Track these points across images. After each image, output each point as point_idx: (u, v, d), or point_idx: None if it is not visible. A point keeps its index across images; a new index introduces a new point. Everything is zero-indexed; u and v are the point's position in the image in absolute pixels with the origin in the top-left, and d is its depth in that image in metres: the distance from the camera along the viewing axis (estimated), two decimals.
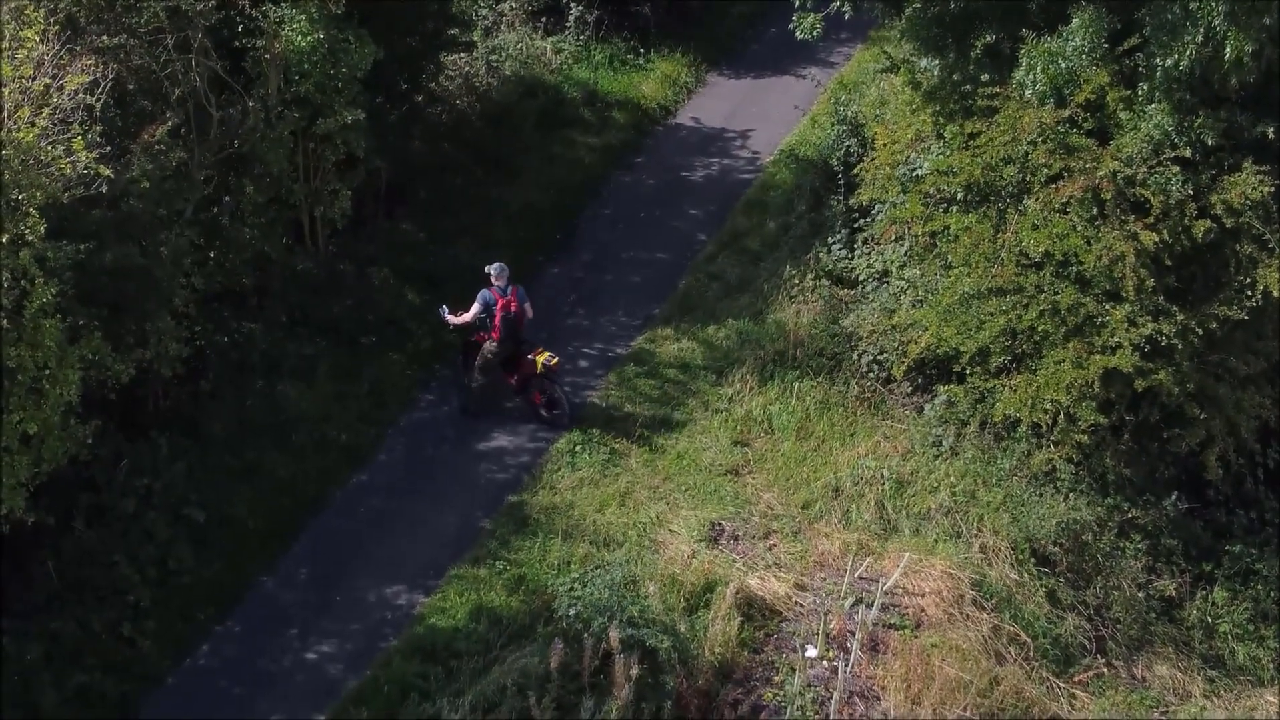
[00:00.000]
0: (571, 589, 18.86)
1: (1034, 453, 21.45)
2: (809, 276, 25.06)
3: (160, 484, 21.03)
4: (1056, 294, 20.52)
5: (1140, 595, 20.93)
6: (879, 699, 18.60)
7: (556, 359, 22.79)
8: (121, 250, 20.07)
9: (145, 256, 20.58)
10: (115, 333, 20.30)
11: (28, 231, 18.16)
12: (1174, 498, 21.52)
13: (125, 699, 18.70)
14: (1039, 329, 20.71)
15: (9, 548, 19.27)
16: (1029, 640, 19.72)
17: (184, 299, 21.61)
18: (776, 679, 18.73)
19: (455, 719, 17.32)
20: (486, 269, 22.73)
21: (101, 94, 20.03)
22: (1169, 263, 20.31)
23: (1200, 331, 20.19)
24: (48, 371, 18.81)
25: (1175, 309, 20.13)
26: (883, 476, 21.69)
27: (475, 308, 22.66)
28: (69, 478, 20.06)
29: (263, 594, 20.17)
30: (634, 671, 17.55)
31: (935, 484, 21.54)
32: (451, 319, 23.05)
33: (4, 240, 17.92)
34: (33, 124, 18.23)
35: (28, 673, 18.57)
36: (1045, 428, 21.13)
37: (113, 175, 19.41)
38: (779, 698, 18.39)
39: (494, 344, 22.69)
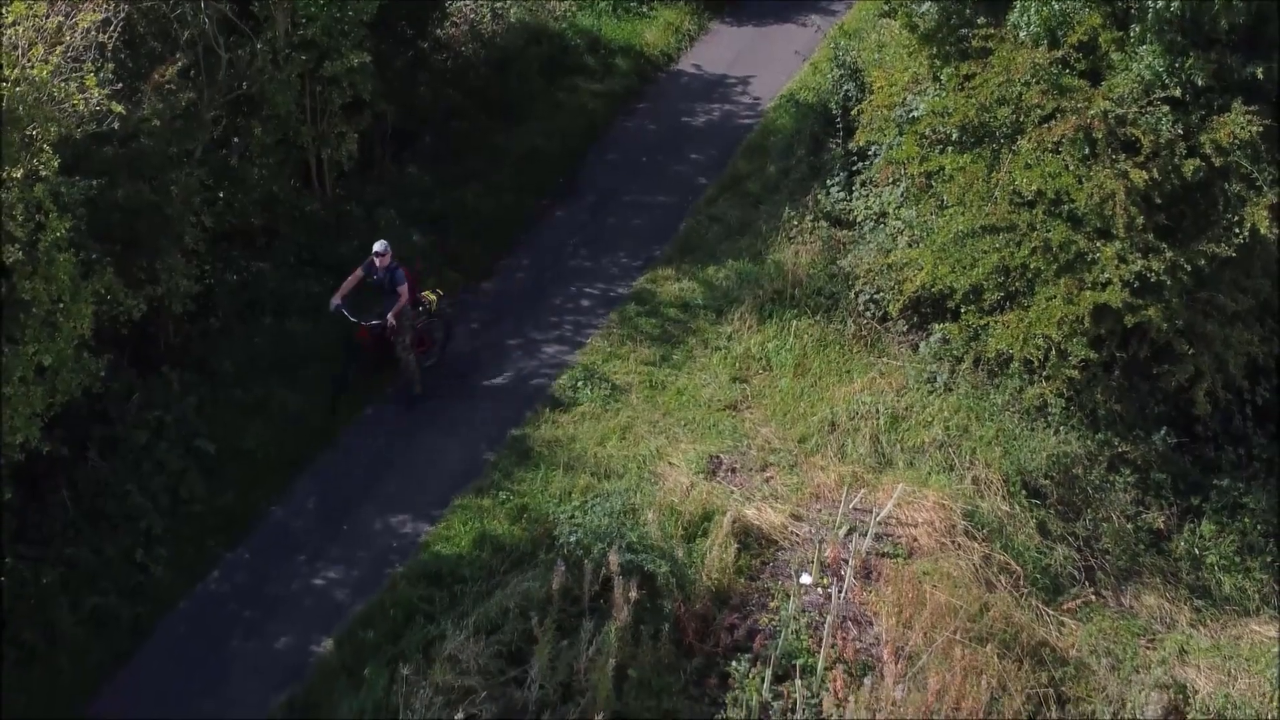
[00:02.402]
0: (572, 517, 19.36)
1: (1026, 388, 21.92)
2: (807, 218, 25.48)
3: (171, 417, 21.53)
4: (1049, 232, 20.94)
5: (1129, 527, 21.40)
6: (872, 624, 19.08)
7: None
8: (133, 187, 20.54)
9: (156, 194, 21.05)
10: (127, 269, 20.79)
11: (41, 167, 18.58)
12: (1163, 433, 21.95)
13: (138, 622, 19.23)
14: (1031, 266, 21.16)
15: (26, 477, 19.77)
16: (1019, 569, 20.19)
17: (194, 237, 22.09)
18: (772, 605, 19.20)
19: (459, 639, 17.79)
20: (377, 248, 22.10)
21: (113, 32, 20.42)
22: (1159, 201, 20.71)
23: (1189, 268, 20.60)
24: (61, 305, 19.28)
25: (1165, 246, 20.54)
26: (878, 411, 22.14)
27: (406, 287, 22.30)
28: (82, 410, 20.54)
29: (271, 523, 20.69)
30: (633, 595, 18.04)
31: (929, 419, 21.99)
32: (392, 318, 22.21)
33: (18, 175, 18.39)
34: (46, 61, 18.63)
35: (45, 596, 19.09)
36: (1037, 364, 21.60)
37: (125, 112, 19.82)
38: (775, 622, 18.86)
39: (409, 309, 22.49)
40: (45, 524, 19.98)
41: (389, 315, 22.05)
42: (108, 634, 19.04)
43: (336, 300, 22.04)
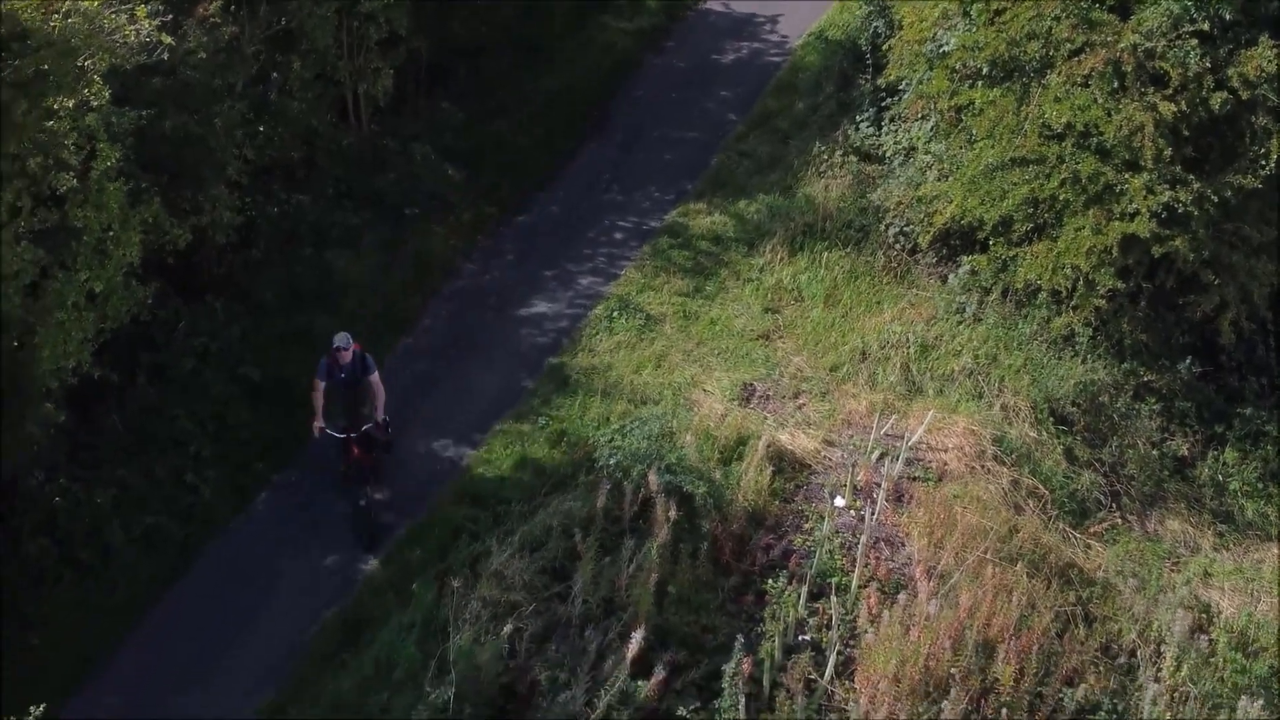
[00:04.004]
0: (612, 440, 19.82)
1: (1053, 318, 22.33)
2: (837, 153, 25.84)
3: (216, 345, 22.05)
4: (1077, 164, 21.31)
5: (1154, 454, 21.84)
6: (903, 545, 19.55)
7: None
8: (180, 119, 20.95)
9: (201, 126, 21.44)
10: (173, 199, 21.23)
11: (93, 97, 19.01)
12: (1188, 362, 22.37)
13: (188, 541, 19.78)
14: (1060, 198, 21.54)
15: (78, 401, 20.28)
16: (1047, 493, 20.65)
17: (236, 169, 22.49)
18: (806, 526, 19.68)
19: (504, 556, 18.30)
20: (337, 341, 19.86)
21: None
22: (1186, 133, 21.06)
23: (1215, 200, 20.95)
24: (111, 233, 19.79)
25: (1192, 178, 20.90)
26: (908, 341, 22.57)
27: (378, 375, 20.05)
28: (131, 337, 21.06)
29: (316, 448, 21.13)
30: (673, 514, 18.53)
31: (959, 348, 22.42)
32: (384, 414, 19.98)
33: (70, 105, 18.82)
34: None
35: (98, 516, 19.63)
36: (1065, 294, 22.00)
37: (174, 44, 20.20)
38: (809, 543, 19.33)
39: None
40: (97, 447, 20.51)
41: (379, 414, 19.82)
42: (159, 553, 19.59)
43: (319, 423, 19.78)
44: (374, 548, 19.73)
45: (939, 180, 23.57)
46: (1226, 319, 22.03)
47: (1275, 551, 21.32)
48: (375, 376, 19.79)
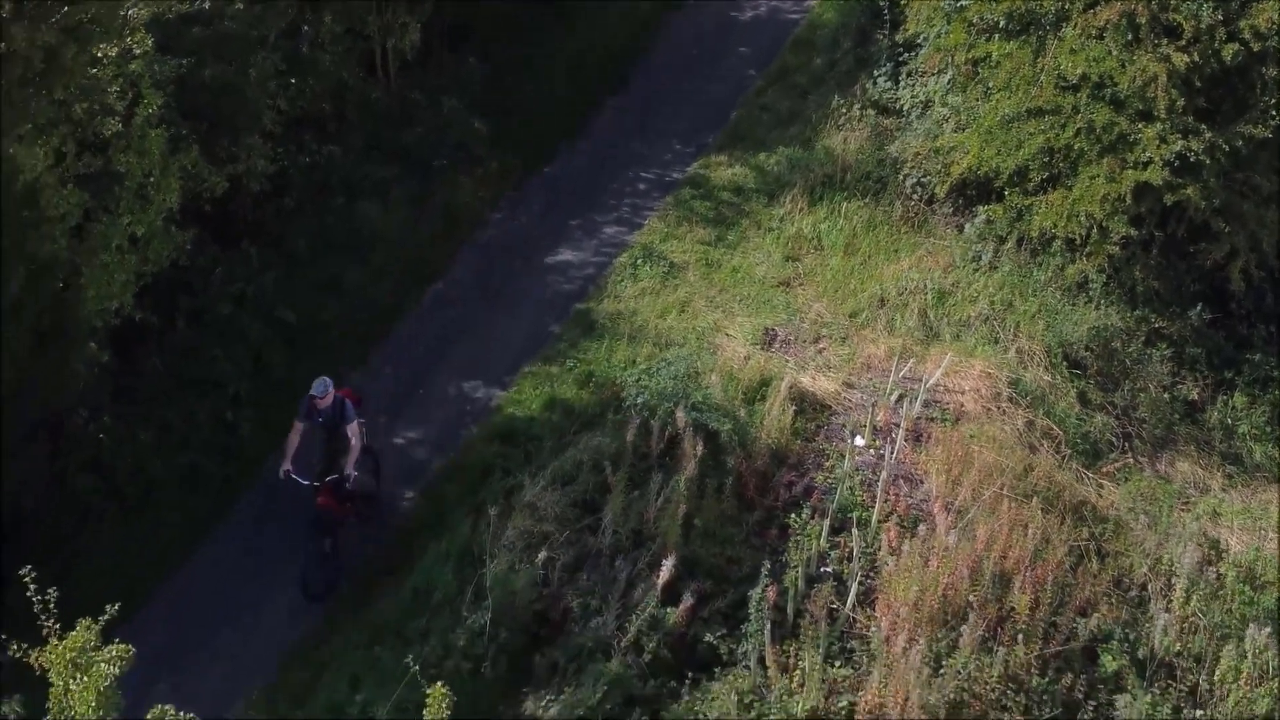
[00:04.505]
0: (639, 380, 20.41)
1: (1067, 266, 22.89)
2: (855, 107, 26.35)
3: (252, 290, 22.66)
4: (1092, 114, 21.85)
5: (1165, 397, 22.42)
6: (922, 482, 20.14)
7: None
8: (219, 68, 21.51)
9: (238, 76, 22.02)
10: (210, 147, 21.83)
11: (135, 45, 19.61)
12: (1198, 309, 22.92)
13: (228, 478, 20.43)
14: (1075, 147, 22.09)
15: (120, 343, 20.91)
16: (1060, 434, 21.23)
17: (270, 119, 23.08)
18: (827, 464, 20.27)
19: (537, 489, 18.94)
20: (315, 389, 19.14)
21: None
22: (1198, 84, 21.60)
23: (1226, 149, 21.50)
24: (152, 179, 20.45)
25: (1204, 128, 21.45)
26: (925, 288, 23.12)
27: (357, 425, 19.30)
28: (170, 281, 21.68)
29: (351, 388, 21.74)
30: (699, 450, 19.15)
31: (975, 294, 22.99)
32: (353, 469, 19.13)
33: (114, 53, 19.42)
34: None
35: (141, 454, 20.28)
36: (1079, 241, 22.56)
37: None
38: (830, 480, 19.94)
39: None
40: (138, 387, 21.15)
41: (348, 468, 19.00)
42: (201, 490, 20.23)
43: (286, 466, 19.06)
44: (320, 598, 18.88)
45: (956, 132, 24.08)
46: (1236, 267, 22.58)
47: None
48: (353, 426, 18.97)
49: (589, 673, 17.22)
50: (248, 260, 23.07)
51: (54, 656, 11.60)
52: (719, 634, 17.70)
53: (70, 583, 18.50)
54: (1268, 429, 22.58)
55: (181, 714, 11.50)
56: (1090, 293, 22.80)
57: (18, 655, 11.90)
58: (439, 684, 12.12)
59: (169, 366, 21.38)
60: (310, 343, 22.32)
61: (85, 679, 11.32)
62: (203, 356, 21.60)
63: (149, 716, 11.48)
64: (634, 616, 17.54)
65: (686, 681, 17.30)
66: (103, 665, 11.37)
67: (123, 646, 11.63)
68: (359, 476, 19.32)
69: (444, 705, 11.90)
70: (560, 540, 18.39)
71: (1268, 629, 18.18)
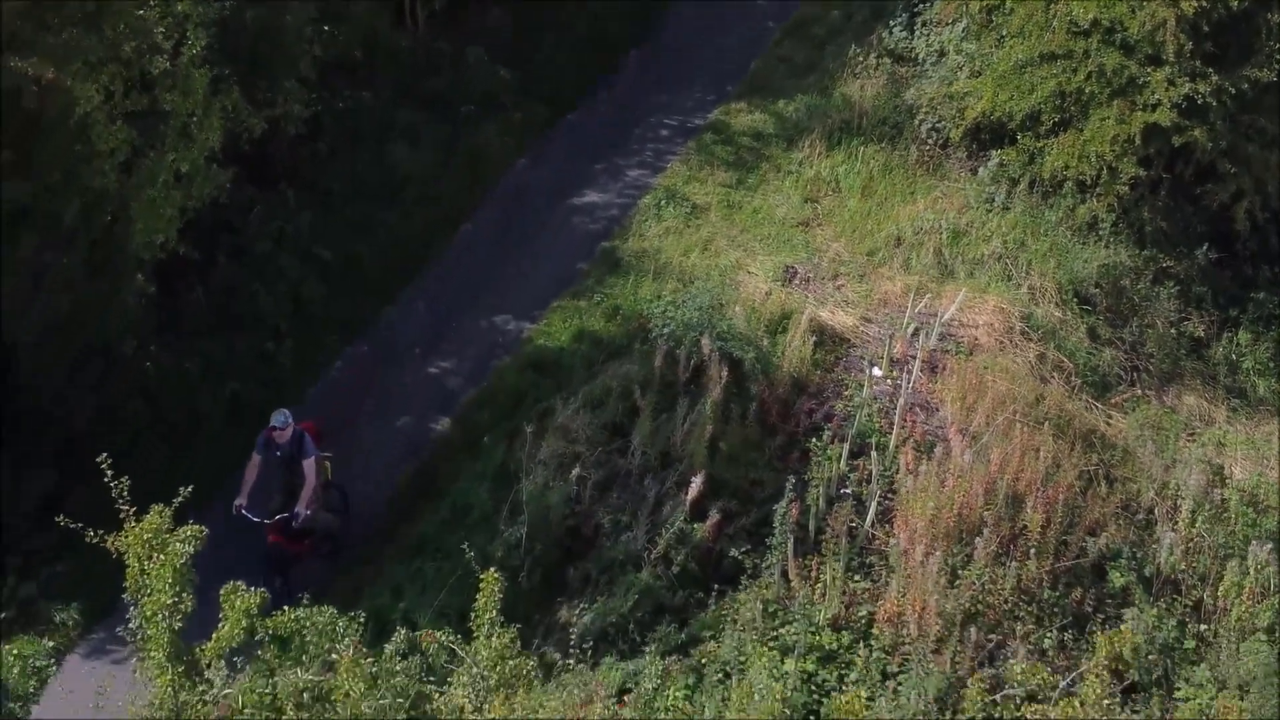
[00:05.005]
0: (665, 311, 21.16)
1: (1078, 207, 23.63)
2: (871, 56, 27.08)
3: (290, 229, 23.44)
4: (1103, 58, 22.60)
5: (1172, 334, 23.21)
6: (937, 410, 20.91)
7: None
8: (259, 11, 22.24)
9: (277, 20, 22.75)
10: (249, 90, 22.54)
11: None
12: (1204, 249, 23.68)
13: (271, 405, 21.00)
14: (1086, 90, 22.84)
15: (164, 277, 21.69)
16: (1071, 367, 22.00)
17: (306, 65, 23.81)
18: (846, 393, 21.03)
19: (568, 413, 19.74)
20: (275, 421, 18.59)
21: None
22: (1206, 29, 22.32)
23: (1233, 92, 22.26)
24: (195, 118, 21.13)
25: (1211, 71, 22.19)
26: (940, 228, 23.87)
27: (313, 462, 18.59)
28: (211, 220, 22.43)
29: (385, 322, 22.64)
30: (724, 376, 19.93)
31: (988, 234, 23.74)
32: (304, 508, 18.35)
33: None
34: None
35: (187, 383, 21.08)
36: (1089, 183, 23.30)
37: None
38: (849, 407, 20.71)
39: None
40: (183, 320, 21.94)
41: (299, 506, 18.27)
42: (244, 419, 20.98)
43: (239, 500, 18.40)
44: None
45: (970, 78, 24.80)
46: (1241, 208, 23.36)
47: None
48: (310, 462, 18.26)
49: (620, 583, 18.03)
50: (285, 201, 23.84)
51: (130, 539, 12.37)
52: (744, 549, 18.48)
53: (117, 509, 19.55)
54: (1271, 364, 23.36)
55: (253, 589, 12.29)
56: (1100, 232, 23.54)
57: (95, 540, 12.66)
58: (491, 570, 12.87)
59: (211, 301, 22.14)
60: (345, 279, 23.10)
61: (161, 558, 12.09)
62: (243, 292, 22.36)
63: (221, 593, 12.26)
64: (662, 532, 18.33)
65: (713, 593, 18.08)
66: (177, 545, 12.15)
67: (196, 527, 12.43)
68: (314, 515, 18.59)
69: (496, 589, 12.65)
70: (591, 460, 19.18)
71: (1269, 546, 18.94)
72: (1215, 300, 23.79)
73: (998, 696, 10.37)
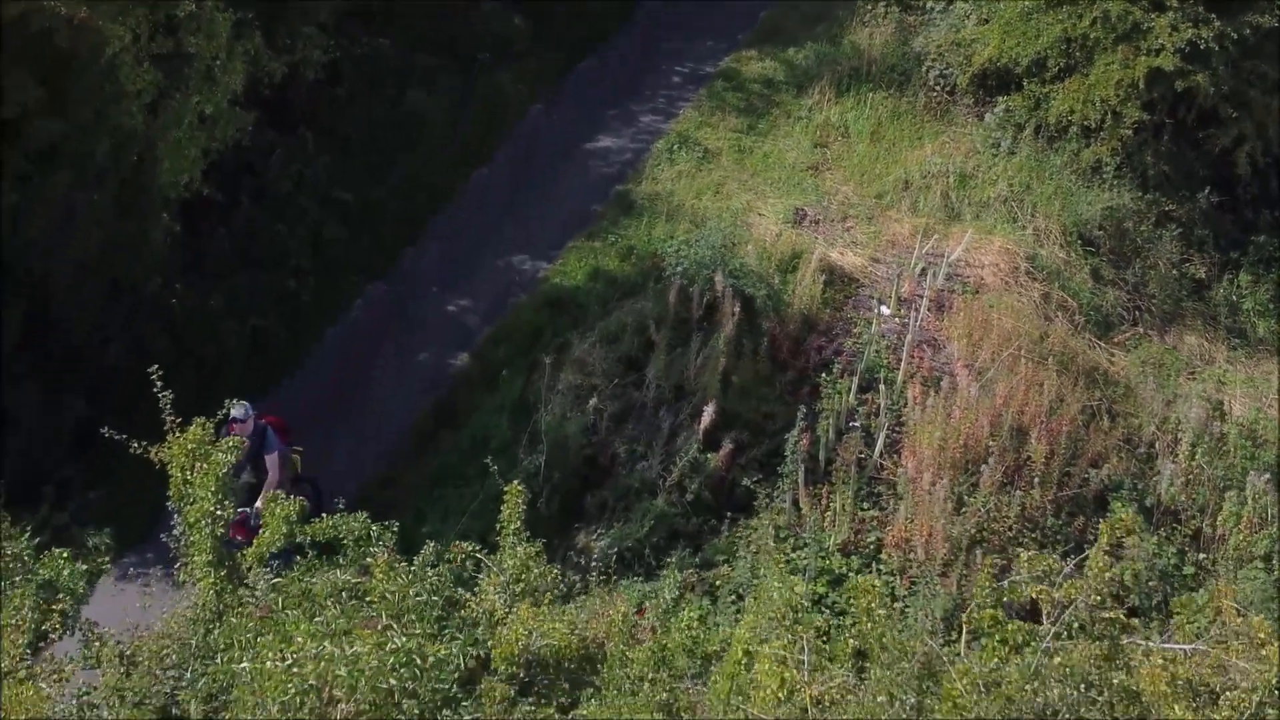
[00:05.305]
0: (679, 249, 21.67)
1: (1083, 151, 24.11)
2: (880, 5, 27.51)
3: (310, 172, 23.90)
4: (1107, 4, 23.05)
5: (1174, 275, 23.72)
6: (943, 347, 21.45)
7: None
8: None
9: None
10: (270, 34, 22.98)
11: None
12: (1206, 193, 24.17)
13: (294, 341, 21.76)
14: (1091, 36, 23.30)
15: (188, 217, 22.17)
16: (1075, 306, 22.52)
17: (325, 11, 24.24)
18: (855, 331, 21.56)
19: (584, 347, 20.27)
20: (236, 413, 17.10)
21: None
22: None
23: (1235, 38, 22.73)
24: (219, 61, 21.59)
25: (1214, 17, 22.64)
26: (948, 172, 24.36)
27: (277, 456, 17.56)
28: (234, 163, 22.89)
29: (404, 262, 23.15)
30: (736, 312, 20.45)
31: (995, 178, 24.24)
32: (261, 504, 15.75)
33: None
34: None
35: (211, 320, 21.59)
36: (1094, 127, 23.77)
37: None
38: (858, 345, 21.23)
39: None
40: (207, 259, 22.43)
41: (258, 503, 16.55)
42: (269, 350, 21.55)
43: None
44: None
45: (977, 25, 25.26)
46: (1243, 152, 23.86)
47: None
48: (273, 457, 17.26)
49: (636, 510, 18.60)
50: (305, 145, 24.30)
51: (174, 450, 12.91)
52: (755, 479, 19.03)
53: (154, 435, 20.10)
54: (1270, 306, 23.89)
55: (292, 498, 12.84)
56: (1104, 176, 24.02)
57: (139, 451, 13.20)
58: (515, 482, 13.39)
59: (234, 241, 22.63)
60: (365, 221, 23.60)
61: (204, 468, 12.63)
62: (264, 233, 22.84)
63: (259, 504, 12.79)
64: (677, 461, 18.88)
65: (726, 520, 18.65)
66: (219, 456, 12.68)
67: (237, 439, 12.96)
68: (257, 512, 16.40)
69: (519, 500, 13.17)
70: (607, 393, 19.71)
71: (1266, 476, 19.50)
72: (1216, 243, 24.29)
73: (1004, 582, 10.95)
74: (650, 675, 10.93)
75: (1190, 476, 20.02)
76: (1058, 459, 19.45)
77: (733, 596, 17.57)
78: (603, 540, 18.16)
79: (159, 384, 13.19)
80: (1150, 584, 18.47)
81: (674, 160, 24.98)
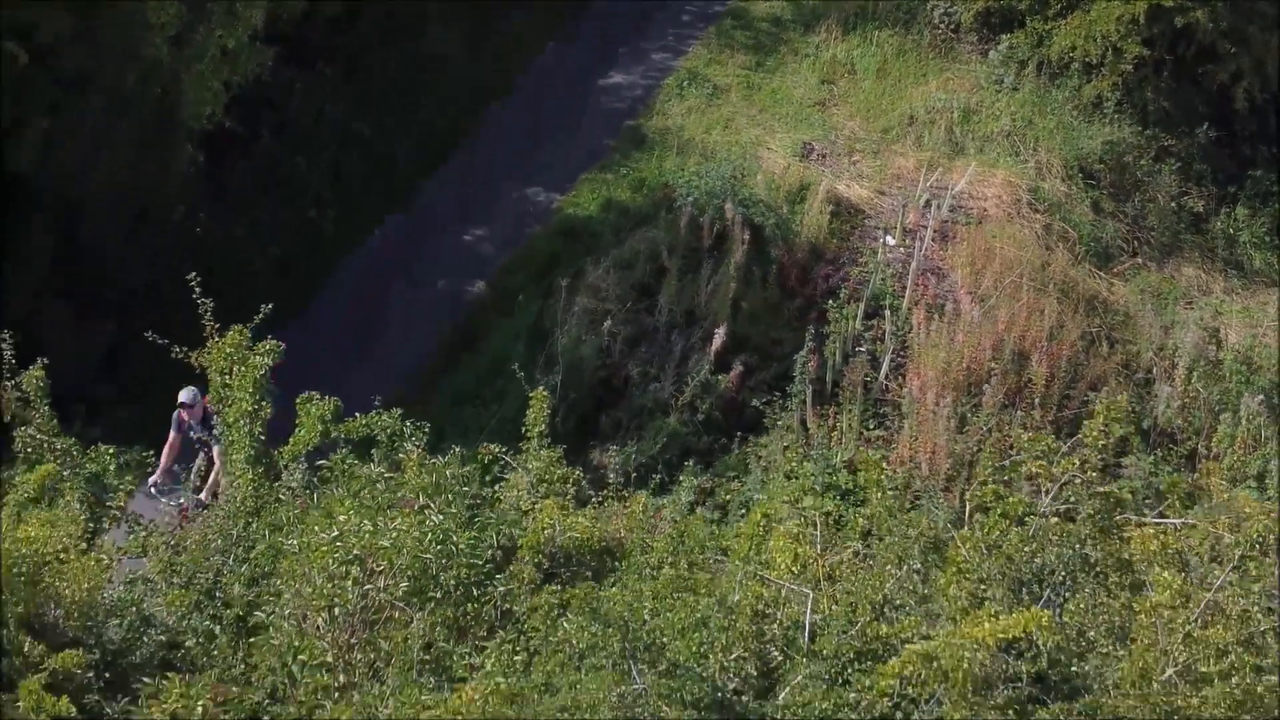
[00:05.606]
0: (689, 180, 22.23)
1: (1084, 86, 24.62)
2: None
3: (329, 106, 24.42)
4: None
5: (1172, 208, 24.25)
6: (947, 275, 22.03)
7: None
8: None
9: None
10: None
11: None
12: (1205, 128, 24.67)
13: (315, 269, 22.34)
14: None
15: (211, 149, 22.72)
16: (1075, 237, 23.08)
17: None
18: (861, 260, 22.14)
19: (598, 273, 20.86)
20: (183, 397, 16.41)
21: None
22: None
23: None
24: None
25: None
26: (952, 108, 24.88)
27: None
28: (254, 97, 23.41)
29: (422, 194, 23.72)
30: (746, 239, 21.03)
31: (998, 113, 24.77)
32: (209, 495, 15.46)
33: None
34: None
35: (236, 245, 22.18)
36: (1095, 63, 24.28)
37: None
38: (864, 273, 21.82)
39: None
40: (229, 191, 23.00)
41: (203, 493, 15.48)
42: (291, 277, 22.13)
43: (155, 479, 16.28)
44: None
45: None
46: (1241, 88, 24.35)
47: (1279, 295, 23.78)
48: (217, 450, 15.28)
49: (649, 429, 19.22)
50: (323, 80, 24.82)
51: (213, 354, 13.51)
52: (764, 400, 19.64)
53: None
54: (1267, 239, 24.41)
55: (327, 398, 13.42)
56: (1104, 111, 24.55)
57: (180, 355, 13.80)
58: (540, 388, 13.98)
59: (255, 174, 23.19)
60: (383, 154, 24.16)
61: (242, 370, 13.24)
62: (286, 163, 23.40)
63: (297, 401, 13.39)
64: (689, 382, 19.49)
65: (736, 438, 19.27)
66: (257, 359, 13.29)
67: (274, 342, 13.56)
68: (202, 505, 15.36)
69: (544, 405, 13.75)
70: (620, 317, 20.31)
71: (1260, 398, 20.08)
72: (1214, 177, 24.81)
73: (1006, 461, 11.54)
74: (669, 560, 11.53)
75: (1186, 400, 20.57)
76: (1058, 382, 20.06)
77: (743, 510, 18.16)
78: (617, 458, 18.73)
79: (198, 290, 13.65)
80: (1146, 501, 19.06)
81: (684, 96, 25.51)
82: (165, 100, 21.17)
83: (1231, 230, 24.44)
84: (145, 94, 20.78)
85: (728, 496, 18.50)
